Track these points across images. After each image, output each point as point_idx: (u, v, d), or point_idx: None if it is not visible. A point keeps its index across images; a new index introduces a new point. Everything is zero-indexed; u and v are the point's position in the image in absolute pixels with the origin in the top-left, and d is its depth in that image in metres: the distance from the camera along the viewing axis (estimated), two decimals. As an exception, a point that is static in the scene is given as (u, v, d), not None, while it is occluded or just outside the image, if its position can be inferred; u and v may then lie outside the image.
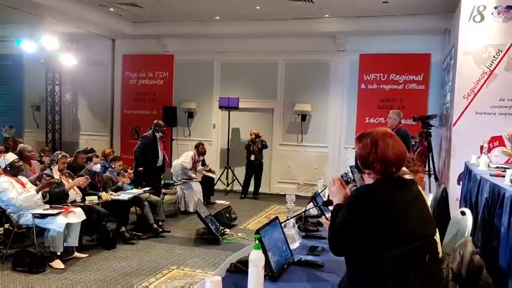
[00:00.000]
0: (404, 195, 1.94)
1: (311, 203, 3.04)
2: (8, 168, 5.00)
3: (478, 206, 3.77)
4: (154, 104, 10.83)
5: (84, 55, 10.93)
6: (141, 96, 11.02)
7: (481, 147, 6.18)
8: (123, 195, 6.17)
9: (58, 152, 5.83)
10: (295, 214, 2.79)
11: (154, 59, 10.85)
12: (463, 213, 3.13)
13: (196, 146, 8.62)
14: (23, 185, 5.06)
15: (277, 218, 2.30)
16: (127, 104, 11.16)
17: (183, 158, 8.46)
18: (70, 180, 5.70)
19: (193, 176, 8.25)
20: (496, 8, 6.23)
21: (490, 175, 3.77)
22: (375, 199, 1.87)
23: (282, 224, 2.39)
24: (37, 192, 4.96)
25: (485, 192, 3.52)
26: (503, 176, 3.63)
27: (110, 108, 11.35)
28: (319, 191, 3.45)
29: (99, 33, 10.43)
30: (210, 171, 9.08)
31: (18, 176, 5.12)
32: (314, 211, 3.18)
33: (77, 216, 5.14)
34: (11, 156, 5.12)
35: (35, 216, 4.91)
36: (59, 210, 4.99)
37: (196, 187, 8.10)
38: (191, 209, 7.92)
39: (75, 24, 9.57)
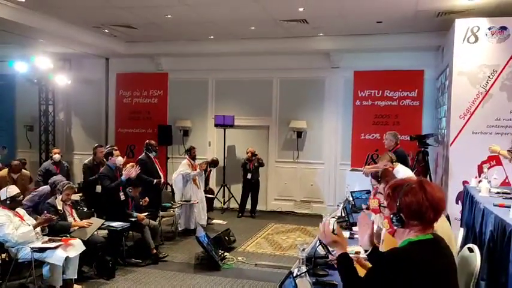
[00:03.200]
0: (442, 263, 1.86)
1: (317, 242, 3.00)
2: (8, 202, 4.92)
3: (482, 236, 3.78)
4: (149, 123, 10.78)
5: (77, 74, 10.91)
6: (136, 114, 10.96)
7: (479, 168, 6.26)
8: (116, 224, 6.07)
9: (65, 181, 5.75)
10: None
11: (148, 78, 10.81)
12: (470, 249, 3.13)
13: (188, 151, 8.51)
14: (21, 217, 4.97)
15: (290, 273, 2.27)
16: (121, 122, 11.09)
17: (180, 169, 8.30)
18: (74, 210, 5.64)
19: (196, 172, 8.07)
20: (489, 28, 6.33)
21: (494, 205, 3.79)
22: (412, 266, 1.79)
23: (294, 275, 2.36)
24: (34, 227, 4.87)
25: (489, 224, 3.53)
26: (507, 207, 3.67)
27: (104, 127, 11.27)
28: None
29: (93, 52, 10.38)
30: (209, 192, 9.01)
31: (17, 209, 5.04)
32: (321, 249, 3.14)
33: (76, 248, 5.05)
34: (14, 190, 5.04)
35: (33, 250, 4.82)
36: (58, 243, 4.91)
37: (197, 206, 8.04)
38: (192, 226, 7.88)
39: (68, 45, 9.52)
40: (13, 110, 11.73)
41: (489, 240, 3.43)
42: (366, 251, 2.19)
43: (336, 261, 2.15)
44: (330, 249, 2.92)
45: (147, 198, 7.10)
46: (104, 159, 7.12)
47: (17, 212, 4.97)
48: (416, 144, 7.43)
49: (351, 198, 4.91)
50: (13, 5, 7.16)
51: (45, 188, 6.44)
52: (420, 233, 1.91)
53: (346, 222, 4.11)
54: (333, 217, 3.76)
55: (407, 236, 1.93)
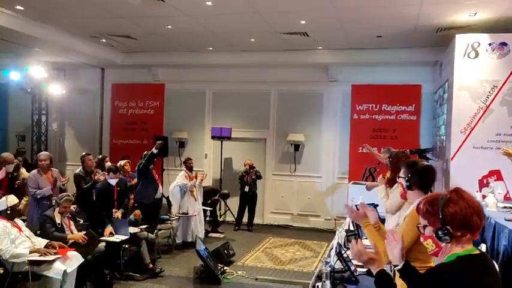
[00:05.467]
0: (492, 280, 1.80)
1: (333, 257, 2.93)
2: (9, 211, 4.77)
3: (494, 250, 3.74)
4: (145, 134, 10.66)
5: (72, 84, 10.79)
6: (131, 125, 10.84)
7: (480, 182, 6.28)
8: (116, 237, 5.93)
9: (64, 194, 5.61)
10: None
11: (144, 88, 10.73)
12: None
13: (184, 162, 8.42)
14: (19, 229, 4.82)
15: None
16: (116, 133, 10.96)
17: (176, 180, 8.16)
18: (72, 222, 5.50)
19: (192, 182, 7.95)
20: (490, 44, 6.40)
21: (506, 220, 3.77)
22: (465, 282, 1.72)
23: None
24: (31, 252, 4.70)
25: (503, 239, 3.50)
26: (519, 221, 3.64)
27: (98, 137, 11.12)
28: (341, 242, 3.33)
29: (89, 62, 10.28)
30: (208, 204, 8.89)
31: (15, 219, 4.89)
32: (339, 264, 3.07)
33: (74, 261, 4.90)
34: (13, 199, 4.89)
35: (30, 262, 4.66)
36: (56, 256, 4.76)
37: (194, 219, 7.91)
38: (189, 239, 7.76)
39: (64, 54, 9.41)
40: (5, 119, 11.56)
41: (503, 255, 3.39)
42: (395, 266, 2.11)
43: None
44: (352, 263, 2.87)
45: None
46: (99, 170, 7.05)
47: (15, 223, 4.82)
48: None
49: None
50: (12, 13, 7.07)
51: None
52: (467, 244, 1.83)
53: (356, 236, 4.04)
54: (351, 232, 3.69)
55: (454, 250, 1.84)
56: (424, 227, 1.94)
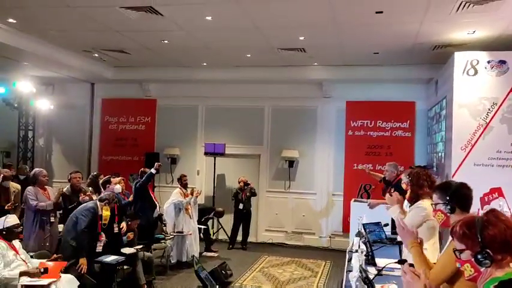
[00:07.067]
0: None
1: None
2: (4, 232, 4.51)
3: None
4: (136, 150, 10.42)
5: (60, 99, 10.57)
6: (122, 141, 10.59)
7: (482, 200, 6.23)
8: (110, 259, 5.66)
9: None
10: None
11: (135, 104, 10.52)
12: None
13: (179, 179, 8.20)
14: (16, 250, 4.55)
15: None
16: (106, 149, 10.68)
17: (171, 198, 7.93)
18: None
19: (188, 199, 7.74)
20: (489, 62, 6.42)
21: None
22: None
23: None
24: (20, 275, 4.43)
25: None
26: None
27: (87, 153, 10.83)
28: (363, 265, 3.18)
29: (78, 77, 10.05)
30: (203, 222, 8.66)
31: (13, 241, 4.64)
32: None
33: (68, 286, 4.65)
34: (12, 220, 4.64)
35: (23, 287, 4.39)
36: (51, 280, 4.50)
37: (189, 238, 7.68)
38: (184, 258, 7.54)
39: (54, 69, 9.19)
40: (-11, 135, 11.19)
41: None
42: None
43: None
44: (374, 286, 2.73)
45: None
46: (82, 187, 6.80)
47: (12, 245, 4.56)
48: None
49: (363, 231, 4.71)
50: (4, 26, 6.85)
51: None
52: (507, 267, 1.76)
53: (369, 257, 3.91)
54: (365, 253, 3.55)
55: (495, 274, 1.76)
56: (461, 251, 1.87)
